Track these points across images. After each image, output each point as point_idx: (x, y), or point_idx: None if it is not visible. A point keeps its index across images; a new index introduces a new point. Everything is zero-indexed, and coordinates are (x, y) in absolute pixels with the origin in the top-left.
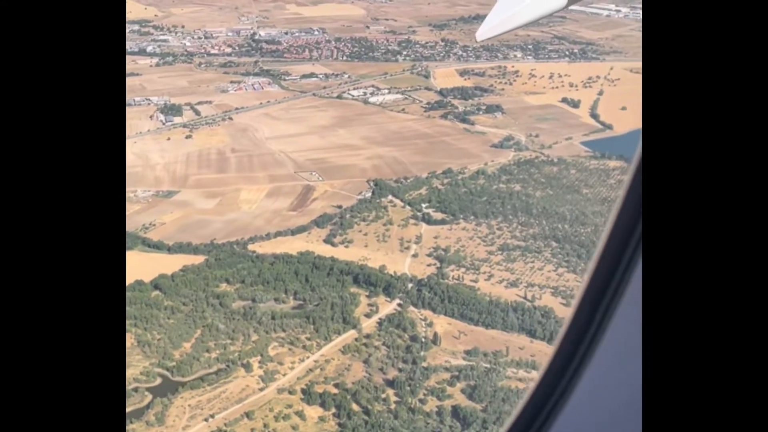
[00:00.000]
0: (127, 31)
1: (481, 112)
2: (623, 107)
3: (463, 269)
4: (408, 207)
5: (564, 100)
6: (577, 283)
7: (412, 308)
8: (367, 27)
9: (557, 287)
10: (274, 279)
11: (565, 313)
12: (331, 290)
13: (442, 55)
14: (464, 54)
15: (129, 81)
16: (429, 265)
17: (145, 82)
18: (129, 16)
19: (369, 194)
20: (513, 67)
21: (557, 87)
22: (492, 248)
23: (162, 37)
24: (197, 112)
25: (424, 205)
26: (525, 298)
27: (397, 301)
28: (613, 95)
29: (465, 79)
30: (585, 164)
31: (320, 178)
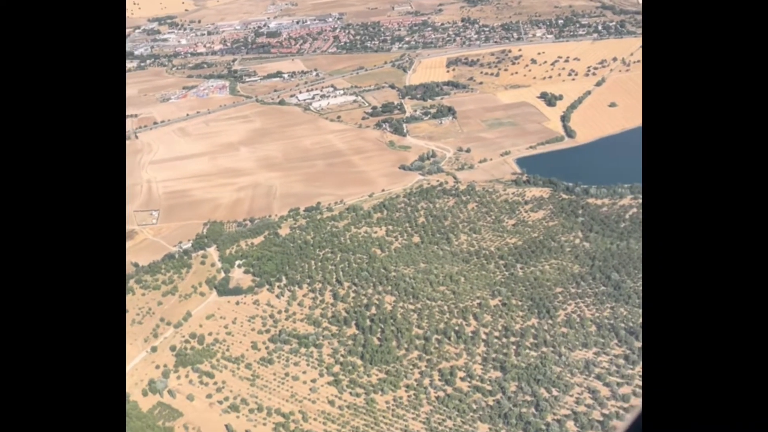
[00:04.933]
0: (138, 30)
1: (428, 117)
2: (612, 103)
3: (195, 375)
4: (219, 264)
5: (544, 95)
6: (330, 400)
7: None
8: (393, 8)
9: (290, 413)
10: None
11: None
12: None
13: (447, 39)
14: (476, 36)
15: None
16: (157, 367)
17: None
18: (160, 12)
19: (189, 245)
20: (519, 51)
21: (551, 76)
22: (263, 337)
23: (164, 37)
24: None
25: (238, 263)
26: None
27: None
28: (614, 85)
29: (448, 71)
30: (496, 194)
31: (154, 222)
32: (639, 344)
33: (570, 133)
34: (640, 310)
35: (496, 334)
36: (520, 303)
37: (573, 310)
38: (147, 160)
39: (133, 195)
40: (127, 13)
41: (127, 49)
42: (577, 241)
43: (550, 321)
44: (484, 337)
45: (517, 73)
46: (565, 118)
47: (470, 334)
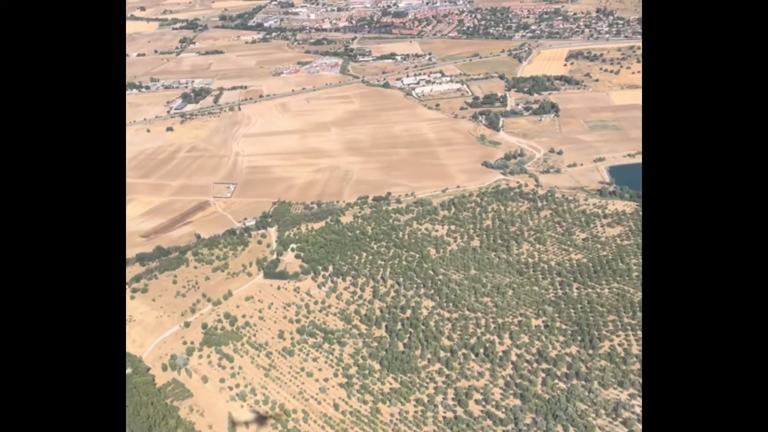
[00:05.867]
0: (274, 2)
1: (528, 113)
2: None
3: (217, 356)
4: (274, 246)
5: None
6: (335, 403)
7: None
8: None
9: (293, 410)
10: None
11: None
12: None
13: (575, 31)
14: (607, 29)
15: (203, 59)
16: (184, 343)
17: (219, 61)
18: None
19: (252, 222)
20: None
21: None
22: (292, 326)
23: (296, 10)
24: (216, 99)
25: (292, 246)
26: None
27: None
28: None
29: (566, 64)
30: (575, 203)
31: (229, 195)
32: None
33: None
34: None
35: (528, 357)
36: (564, 327)
37: (620, 343)
38: (242, 133)
39: (219, 166)
40: None
41: (258, 20)
42: None
43: (591, 351)
44: (514, 358)
45: (639, 72)
46: None
47: (500, 354)
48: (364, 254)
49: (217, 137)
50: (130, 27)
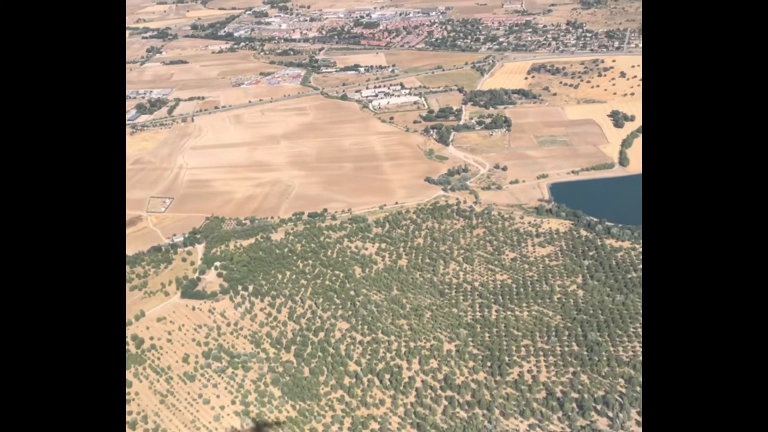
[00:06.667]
0: (248, 12)
1: (480, 127)
2: None
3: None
4: (198, 263)
5: (614, 113)
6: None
7: None
8: (502, 5)
9: None
10: None
11: None
12: None
13: (541, 43)
14: (574, 42)
15: (166, 69)
16: None
17: (182, 71)
18: None
19: (181, 238)
20: (613, 61)
21: (634, 93)
22: (199, 349)
23: (268, 20)
24: (171, 110)
25: (216, 264)
26: None
27: None
28: None
29: (527, 78)
30: (510, 221)
31: (163, 210)
32: (582, 422)
33: (623, 161)
34: (604, 380)
35: (433, 384)
36: (475, 352)
37: (529, 370)
38: (189, 145)
39: (160, 180)
40: None
41: (229, 30)
42: (573, 287)
43: (498, 378)
44: (419, 385)
45: (598, 86)
46: (626, 143)
47: (406, 380)
48: (288, 273)
49: (163, 149)
50: None
